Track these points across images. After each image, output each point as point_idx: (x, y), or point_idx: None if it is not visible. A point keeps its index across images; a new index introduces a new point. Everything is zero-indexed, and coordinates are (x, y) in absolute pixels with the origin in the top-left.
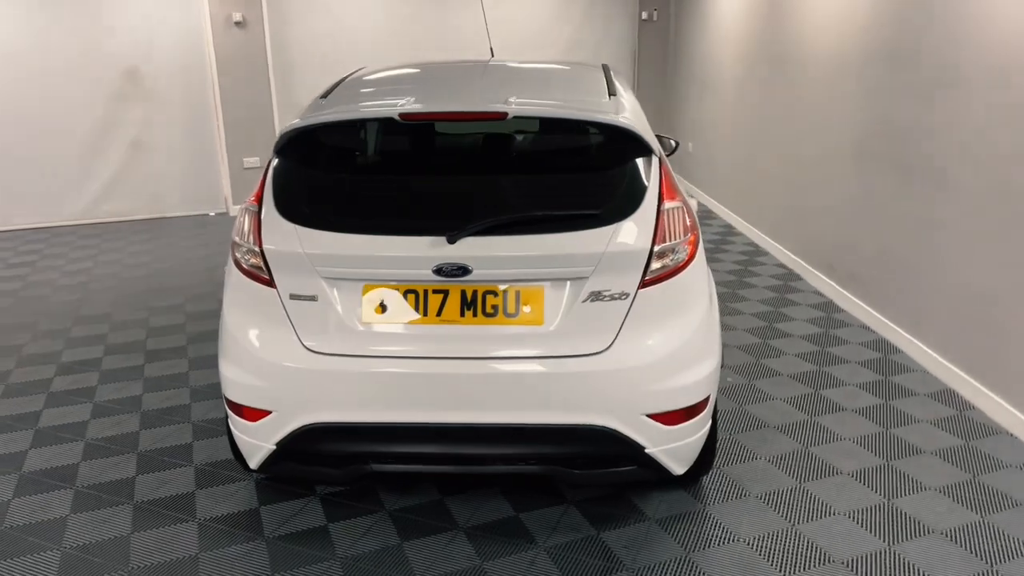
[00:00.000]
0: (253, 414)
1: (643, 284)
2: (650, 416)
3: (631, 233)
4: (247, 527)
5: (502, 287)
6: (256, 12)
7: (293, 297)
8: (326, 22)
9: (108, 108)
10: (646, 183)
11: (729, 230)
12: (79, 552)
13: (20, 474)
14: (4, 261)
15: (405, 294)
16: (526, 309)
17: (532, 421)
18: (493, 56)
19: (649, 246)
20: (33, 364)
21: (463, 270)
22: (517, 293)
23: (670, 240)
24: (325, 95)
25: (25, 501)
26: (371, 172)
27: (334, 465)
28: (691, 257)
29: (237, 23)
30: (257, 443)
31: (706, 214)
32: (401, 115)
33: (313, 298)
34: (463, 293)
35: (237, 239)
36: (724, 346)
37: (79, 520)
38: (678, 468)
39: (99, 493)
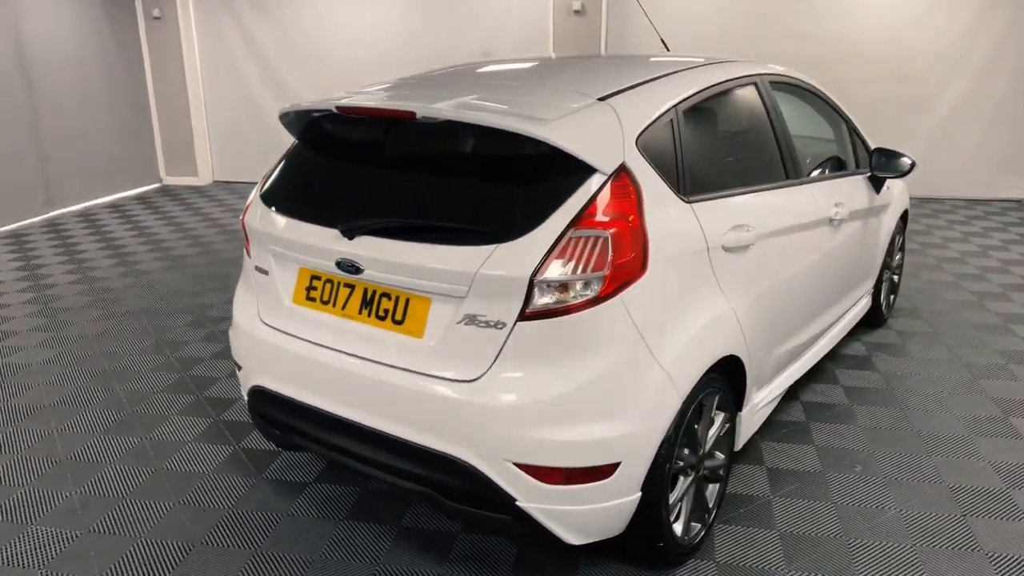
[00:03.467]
0: (237, 364)
1: (524, 316)
2: (518, 465)
3: (509, 257)
4: (260, 463)
5: (396, 292)
6: (596, 1)
7: (257, 269)
8: (666, 15)
9: None
10: (556, 203)
11: None
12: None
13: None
14: None
15: (325, 282)
16: (411, 319)
17: (400, 435)
18: (668, 51)
19: (529, 275)
20: None
21: (356, 268)
22: (407, 301)
23: (572, 272)
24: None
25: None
26: (317, 160)
27: (278, 429)
28: (605, 294)
29: (576, 11)
30: (242, 391)
31: None
32: (338, 108)
33: (266, 272)
34: (365, 291)
35: None
36: (913, 430)
37: (185, 419)
38: (570, 537)
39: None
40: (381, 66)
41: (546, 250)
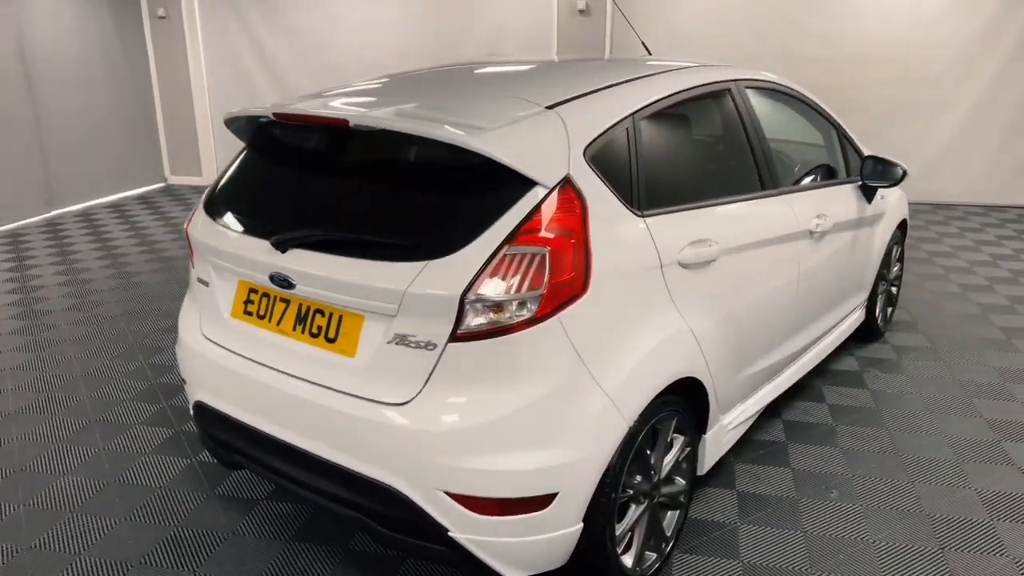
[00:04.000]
0: (183, 378)
1: (455, 337)
2: (450, 495)
3: (439, 274)
4: (214, 478)
5: (329, 308)
6: (600, 1)
7: (199, 280)
8: (674, 16)
9: None
10: (492, 218)
11: None
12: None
13: None
14: None
15: (261, 296)
16: (343, 337)
17: (331, 458)
18: (650, 55)
19: (460, 294)
20: None
21: (288, 283)
22: (340, 318)
23: (506, 291)
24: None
25: None
26: (259, 169)
27: (220, 447)
28: (542, 315)
29: (581, 11)
30: (189, 406)
31: None
32: (275, 115)
33: (207, 284)
34: (299, 307)
35: None
36: (897, 453)
37: (145, 428)
38: (507, 570)
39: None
40: (386, 66)
41: (478, 268)
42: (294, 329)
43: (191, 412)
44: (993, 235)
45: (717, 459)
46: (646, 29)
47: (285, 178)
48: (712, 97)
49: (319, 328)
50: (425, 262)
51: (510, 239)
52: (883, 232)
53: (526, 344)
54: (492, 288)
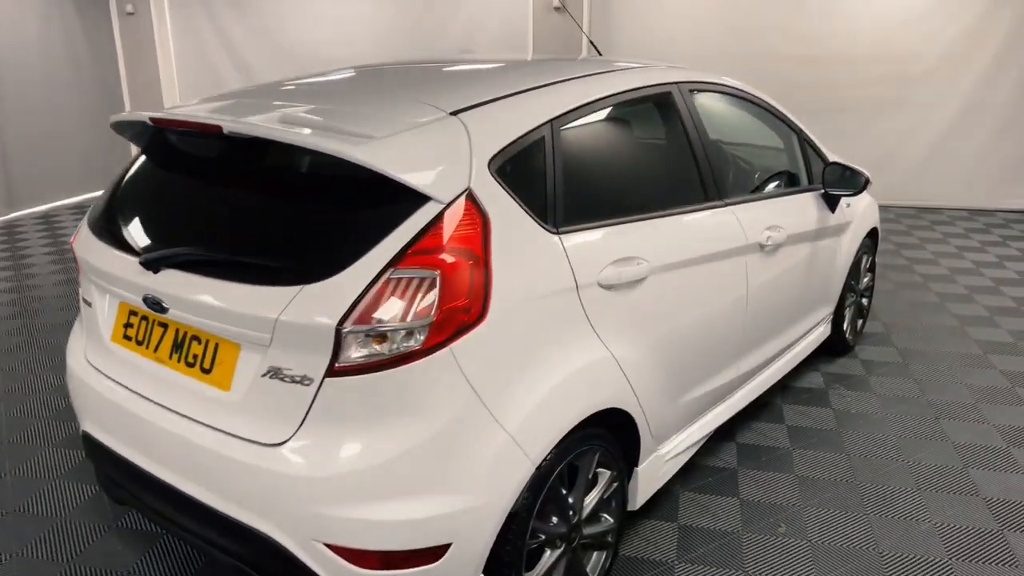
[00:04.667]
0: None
1: (333, 371)
2: (329, 546)
3: (314, 301)
4: (119, 508)
5: (205, 335)
6: None
7: (84, 301)
8: (654, 15)
9: None
10: (377, 237)
11: None
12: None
13: None
14: None
15: (141, 319)
16: (219, 368)
17: (206, 501)
18: (600, 55)
19: (336, 323)
20: None
21: (160, 306)
22: (216, 346)
23: (390, 319)
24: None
25: None
26: (143, 180)
27: (109, 481)
28: (431, 345)
29: (556, 8)
30: None
31: None
32: (152, 120)
33: (90, 304)
34: (177, 332)
35: None
36: (853, 481)
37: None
38: None
39: None
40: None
41: (358, 293)
42: (171, 357)
43: (82, 442)
44: (977, 241)
45: (653, 492)
46: (619, 27)
47: (168, 190)
48: (650, 101)
49: (195, 357)
50: (300, 287)
51: (396, 261)
52: (850, 242)
53: (413, 379)
54: (374, 316)
